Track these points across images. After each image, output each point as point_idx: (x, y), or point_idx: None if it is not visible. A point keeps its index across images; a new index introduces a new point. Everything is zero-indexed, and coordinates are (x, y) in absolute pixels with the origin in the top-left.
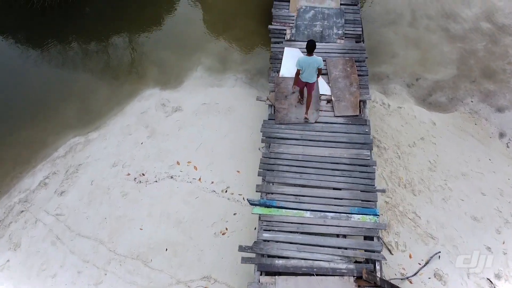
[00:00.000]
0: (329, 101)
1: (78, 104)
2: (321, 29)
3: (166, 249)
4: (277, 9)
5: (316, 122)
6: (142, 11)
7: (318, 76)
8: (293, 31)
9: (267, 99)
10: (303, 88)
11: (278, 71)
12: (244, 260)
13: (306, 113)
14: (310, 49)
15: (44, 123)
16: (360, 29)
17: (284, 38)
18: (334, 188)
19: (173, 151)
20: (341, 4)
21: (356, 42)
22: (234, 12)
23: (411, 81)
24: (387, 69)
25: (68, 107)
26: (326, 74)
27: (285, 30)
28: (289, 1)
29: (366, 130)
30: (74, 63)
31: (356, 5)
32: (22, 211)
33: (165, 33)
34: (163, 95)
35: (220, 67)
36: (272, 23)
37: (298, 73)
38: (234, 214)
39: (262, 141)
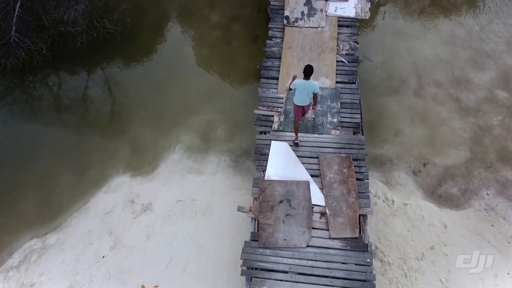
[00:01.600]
0: (323, 214)
1: (38, 193)
2: (313, 116)
3: None
4: (263, 89)
5: (308, 246)
6: (115, 75)
7: (315, 102)
8: (282, 118)
9: (250, 210)
10: (300, 117)
11: (263, 170)
12: None
13: (297, 140)
14: (307, 73)
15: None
16: (359, 115)
17: (272, 127)
18: None
19: (138, 271)
20: (337, 83)
21: (354, 133)
22: (219, 78)
23: (418, 166)
24: (390, 151)
25: (26, 197)
26: (318, 176)
27: (273, 116)
28: (277, 79)
29: (368, 259)
30: (33, 141)
31: (355, 83)
32: None
33: (142, 102)
34: (133, 186)
35: (201, 145)
36: (258, 106)
37: (291, 90)
38: None
39: (242, 273)
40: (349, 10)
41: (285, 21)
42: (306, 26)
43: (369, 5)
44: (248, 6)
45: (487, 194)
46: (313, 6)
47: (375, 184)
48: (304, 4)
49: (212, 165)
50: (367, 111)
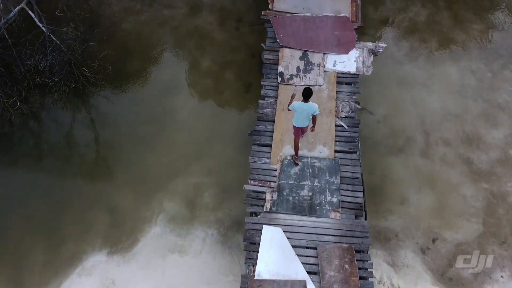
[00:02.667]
0: None
1: (6, 271)
2: (310, 194)
3: None
4: (255, 159)
5: None
6: (94, 130)
7: (314, 124)
8: (275, 195)
9: None
10: (299, 137)
11: (253, 265)
12: None
13: (297, 160)
14: (306, 96)
15: None
16: (361, 194)
17: (263, 206)
18: None
19: None
20: (336, 152)
21: (356, 216)
22: (209, 133)
23: (426, 243)
24: (396, 223)
25: None
26: (317, 273)
27: (265, 193)
28: (270, 147)
29: None
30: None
31: (356, 152)
32: None
33: (123, 161)
34: (109, 269)
35: (186, 215)
36: (248, 180)
37: (293, 96)
38: None
39: None
40: (349, 65)
41: (279, 78)
42: (302, 84)
43: (371, 58)
44: (241, 50)
45: (502, 277)
46: (310, 60)
47: (379, 267)
48: (300, 58)
49: (197, 241)
50: (369, 173)
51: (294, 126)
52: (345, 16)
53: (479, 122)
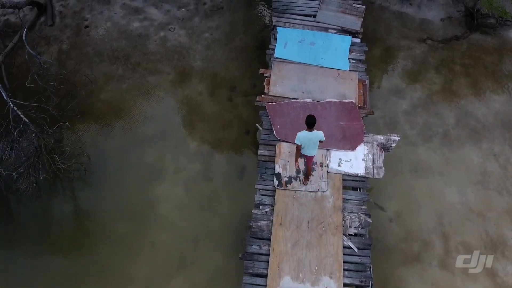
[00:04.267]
0: None
1: None
2: None
3: None
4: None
5: None
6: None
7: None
8: None
9: None
10: (312, 162)
11: None
12: None
13: (306, 182)
14: (310, 125)
15: None
16: None
17: None
18: None
19: None
20: (344, 286)
21: None
22: (195, 235)
23: None
24: None
25: None
26: None
27: None
28: (266, 277)
29: None
30: None
31: (368, 286)
32: None
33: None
34: None
35: None
36: None
37: (298, 148)
38: None
39: None
40: (357, 165)
41: (276, 182)
42: (303, 189)
43: (383, 156)
44: (233, 126)
45: None
46: None
47: None
48: (300, 156)
49: None
50: (380, 287)
51: (304, 155)
52: (351, 102)
53: (504, 221)
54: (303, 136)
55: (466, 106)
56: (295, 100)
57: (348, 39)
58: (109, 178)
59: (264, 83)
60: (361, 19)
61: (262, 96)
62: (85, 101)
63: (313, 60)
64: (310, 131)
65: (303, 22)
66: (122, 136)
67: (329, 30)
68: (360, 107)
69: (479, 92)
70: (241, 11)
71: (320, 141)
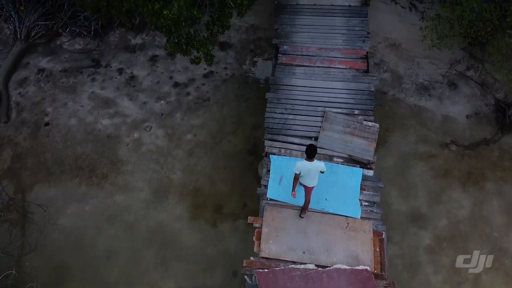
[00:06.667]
0: None
1: None
2: None
3: None
4: None
5: None
6: None
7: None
8: None
9: None
10: (310, 194)
11: None
12: None
13: (303, 214)
14: (310, 155)
15: None
16: None
17: None
18: None
19: None
20: None
21: None
22: None
23: None
24: None
25: None
26: None
27: None
28: None
29: None
30: None
31: None
32: None
33: None
34: None
35: None
36: None
37: (296, 177)
38: None
39: None
40: None
41: None
42: None
43: None
44: (218, 266)
45: None
46: None
47: None
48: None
49: None
50: None
51: (304, 185)
52: (366, 270)
53: None
54: (302, 165)
55: (500, 239)
56: (293, 265)
57: (358, 172)
58: None
59: (254, 238)
60: (374, 144)
61: (251, 259)
62: (39, 234)
63: (315, 204)
64: (311, 161)
65: (302, 148)
66: (81, 278)
67: (334, 159)
68: (376, 276)
69: None
70: (230, 104)
71: (321, 172)
